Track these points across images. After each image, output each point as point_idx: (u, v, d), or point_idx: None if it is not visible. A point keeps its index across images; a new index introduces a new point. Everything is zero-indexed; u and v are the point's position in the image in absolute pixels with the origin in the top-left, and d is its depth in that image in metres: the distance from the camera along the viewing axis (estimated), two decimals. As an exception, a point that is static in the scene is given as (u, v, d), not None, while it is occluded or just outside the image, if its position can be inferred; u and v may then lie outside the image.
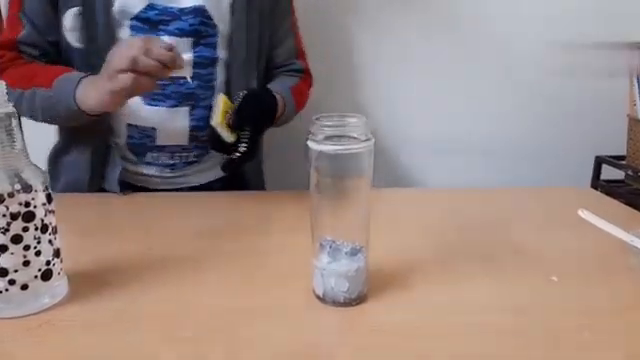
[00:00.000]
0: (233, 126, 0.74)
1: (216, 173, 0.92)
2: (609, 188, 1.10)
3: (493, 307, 0.49)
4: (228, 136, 0.74)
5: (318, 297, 0.49)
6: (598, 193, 0.89)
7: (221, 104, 0.75)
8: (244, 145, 0.74)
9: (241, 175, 0.93)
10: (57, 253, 0.49)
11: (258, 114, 0.77)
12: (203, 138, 0.86)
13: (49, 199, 0.48)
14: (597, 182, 1.15)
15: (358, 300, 0.49)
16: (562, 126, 1.26)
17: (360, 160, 0.46)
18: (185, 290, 0.52)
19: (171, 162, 0.88)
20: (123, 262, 0.58)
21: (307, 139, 0.46)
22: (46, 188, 0.48)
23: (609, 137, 1.17)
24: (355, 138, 0.45)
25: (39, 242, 0.47)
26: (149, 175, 0.88)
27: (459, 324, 0.46)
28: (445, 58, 1.21)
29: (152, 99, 0.82)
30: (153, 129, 0.84)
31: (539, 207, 0.79)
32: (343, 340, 0.44)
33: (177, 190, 0.90)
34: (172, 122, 0.84)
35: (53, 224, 0.49)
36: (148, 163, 0.87)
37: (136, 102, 0.81)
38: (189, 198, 0.83)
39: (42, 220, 0.47)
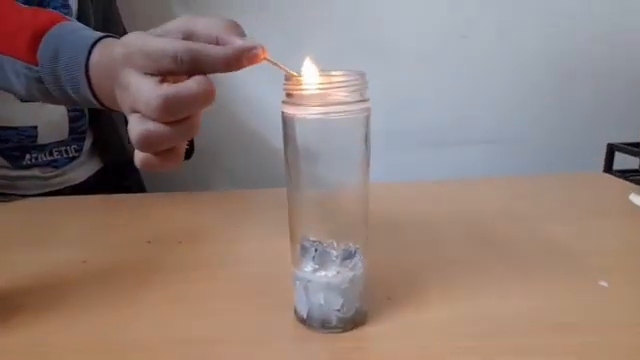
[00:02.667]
0: None
1: (92, 167, 0.85)
2: (623, 178, 0.99)
3: (526, 325, 0.36)
4: None
5: (301, 320, 0.36)
6: (621, 180, 0.77)
7: None
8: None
9: (117, 167, 0.86)
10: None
11: None
12: (81, 129, 0.79)
13: None
14: (610, 172, 1.05)
15: (355, 322, 0.36)
16: (570, 112, 1.15)
17: (354, 129, 0.33)
18: (124, 315, 0.39)
19: (50, 159, 0.77)
20: (44, 280, 0.45)
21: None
22: None
23: (621, 123, 1.07)
24: (346, 100, 0.33)
25: None
26: (27, 177, 0.77)
27: (495, 350, 0.33)
28: (447, 42, 1.10)
29: None
30: (34, 128, 0.73)
31: (560, 196, 0.67)
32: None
33: (56, 192, 0.79)
34: (51, 116, 0.74)
35: None
36: (25, 166, 0.76)
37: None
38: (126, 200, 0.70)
39: None
